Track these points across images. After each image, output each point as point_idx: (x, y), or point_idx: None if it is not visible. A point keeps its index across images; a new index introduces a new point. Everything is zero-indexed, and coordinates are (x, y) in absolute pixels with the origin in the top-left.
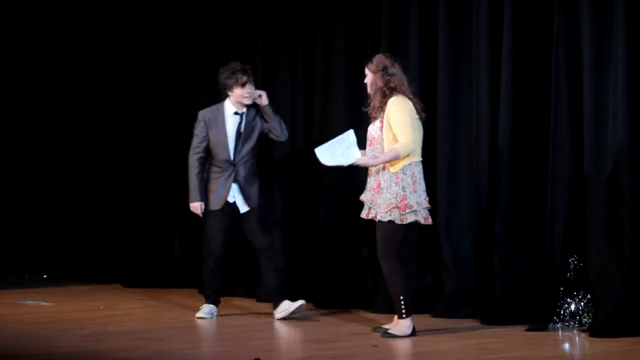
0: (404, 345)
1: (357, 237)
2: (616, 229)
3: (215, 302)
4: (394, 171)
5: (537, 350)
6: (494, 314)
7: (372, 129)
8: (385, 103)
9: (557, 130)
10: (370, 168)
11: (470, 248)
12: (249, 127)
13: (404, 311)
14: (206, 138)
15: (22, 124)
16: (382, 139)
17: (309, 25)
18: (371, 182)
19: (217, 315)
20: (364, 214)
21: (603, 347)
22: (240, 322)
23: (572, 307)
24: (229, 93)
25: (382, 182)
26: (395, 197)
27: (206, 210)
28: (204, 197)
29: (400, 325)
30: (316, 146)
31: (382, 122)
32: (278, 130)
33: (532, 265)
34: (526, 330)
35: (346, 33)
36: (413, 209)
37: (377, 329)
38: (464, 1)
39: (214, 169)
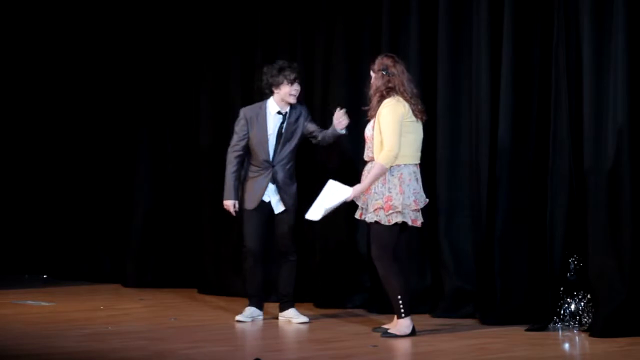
0: (404, 345)
1: (357, 237)
2: (616, 229)
3: (259, 305)
4: None
5: (537, 350)
6: (494, 314)
7: (368, 128)
8: (382, 103)
9: (557, 130)
10: (364, 170)
11: (470, 248)
12: (290, 128)
13: (402, 311)
14: (246, 136)
15: (22, 124)
16: (373, 138)
17: (309, 25)
18: None
19: (260, 319)
20: (357, 215)
21: (603, 347)
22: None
23: (572, 307)
24: (275, 91)
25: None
26: (381, 198)
27: (242, 210)
28: (238, 196)
29: (400, 325)
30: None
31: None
32: (328, 142)
33: (532, 265)
34: (526, 330)
35: (346, 33)
36: (397, 209)
37: (377, 329)
38: (464, 1)
39: (252, 168)
